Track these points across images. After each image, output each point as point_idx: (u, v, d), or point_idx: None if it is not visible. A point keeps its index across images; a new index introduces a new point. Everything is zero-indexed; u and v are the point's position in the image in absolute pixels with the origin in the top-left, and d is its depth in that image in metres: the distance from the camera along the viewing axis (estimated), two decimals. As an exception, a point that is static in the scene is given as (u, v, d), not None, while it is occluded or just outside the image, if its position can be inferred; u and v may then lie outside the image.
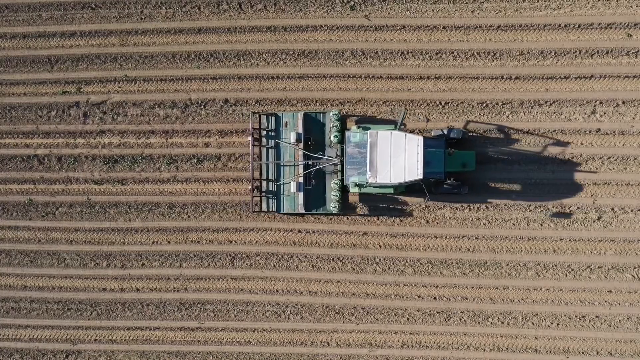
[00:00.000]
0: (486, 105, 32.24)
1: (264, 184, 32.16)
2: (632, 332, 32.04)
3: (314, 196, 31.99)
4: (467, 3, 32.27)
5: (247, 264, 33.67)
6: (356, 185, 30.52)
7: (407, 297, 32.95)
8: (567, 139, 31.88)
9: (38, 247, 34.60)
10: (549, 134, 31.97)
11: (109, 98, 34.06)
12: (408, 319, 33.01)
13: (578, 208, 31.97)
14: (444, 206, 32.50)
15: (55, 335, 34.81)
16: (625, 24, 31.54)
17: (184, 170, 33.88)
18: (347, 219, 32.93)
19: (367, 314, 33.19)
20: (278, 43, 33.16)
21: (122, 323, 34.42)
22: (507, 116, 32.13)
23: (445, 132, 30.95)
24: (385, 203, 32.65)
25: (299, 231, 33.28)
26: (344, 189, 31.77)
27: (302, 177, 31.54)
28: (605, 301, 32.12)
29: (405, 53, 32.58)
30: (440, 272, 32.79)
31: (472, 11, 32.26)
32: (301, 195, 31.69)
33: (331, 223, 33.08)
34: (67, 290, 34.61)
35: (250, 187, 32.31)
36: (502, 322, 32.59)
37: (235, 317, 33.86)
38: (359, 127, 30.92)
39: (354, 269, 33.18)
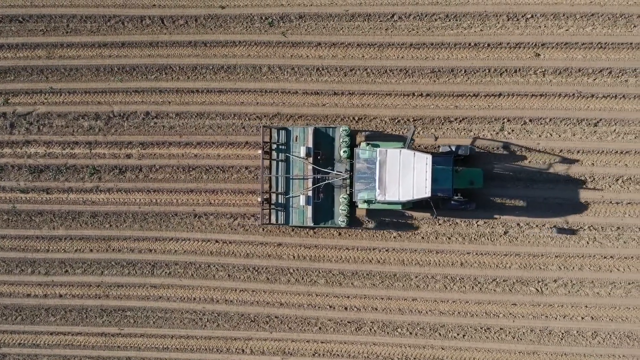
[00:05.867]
0: (398, 121, 33.06)
1: (273, 197, 32.36)
2: (534, 344, 32.87)
3: (322, 210, 32.28)
4: (381, 21, 33.06)
5: (166, 272, 34.58)
6: (365, 201, 30.96)
7: (319, 307, 33.83)
8: (472, 157, 32.71)
9: (-35, 254, 35.62)
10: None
11: (35, 109, 34.96)
12: (320, 328, 33.90)
13: (485, 222, 32.80)
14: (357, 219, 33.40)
15: (-19, 339, 35.89)
16: (533, 43, 32.31)
17: (107, 181, 34.77)
18: (263, 230, 33.85)
19: (280, 322, 34.08)
20: (198, 58, 34.02)
21: (46, 328, 35.36)
22: (419, 132, 32.97)
23: (453, 149, 31.36)
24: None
25: (216, 241, 34.18)
26: (352, 204, 32.02)
27: (311, 191, 31.94)
28: (510, 313, 32.97)
29: (320, 69, 33.41)
30: (352, 283, 33.66)
31: (385, 29, 33.05)
32: (310, 208, 31.97)
33: (247, 234, 33.97)
34: (-8, 295, 35.70)
35: (259, 199, 32.62)
36: (411, 333, 33.45)
37: (154, 324, 34.79)
38: (368, 144, 31.26)
39: (268, 278, 34.06)
